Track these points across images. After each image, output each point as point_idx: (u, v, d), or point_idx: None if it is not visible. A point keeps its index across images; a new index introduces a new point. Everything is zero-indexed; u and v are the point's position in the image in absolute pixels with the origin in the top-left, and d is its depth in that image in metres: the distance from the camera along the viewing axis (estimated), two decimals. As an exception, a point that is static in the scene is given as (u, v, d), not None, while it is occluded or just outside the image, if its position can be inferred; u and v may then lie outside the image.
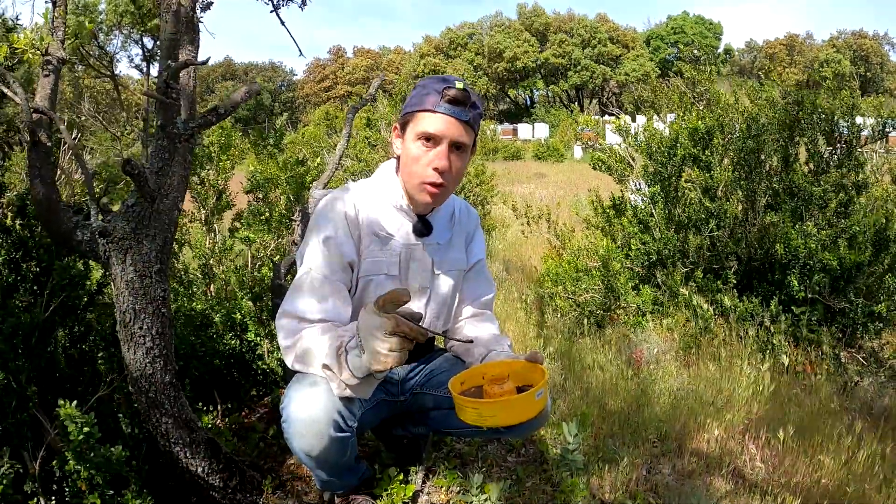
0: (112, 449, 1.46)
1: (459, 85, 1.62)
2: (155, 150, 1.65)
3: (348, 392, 1.55)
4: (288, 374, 2.45)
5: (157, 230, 1.66)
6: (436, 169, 1.62)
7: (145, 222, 1.63)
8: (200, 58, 1.87)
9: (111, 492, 1.48)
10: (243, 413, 2.53)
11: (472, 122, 1.66)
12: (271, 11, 3.09)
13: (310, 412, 1.53)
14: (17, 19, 2.50)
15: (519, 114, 57.09)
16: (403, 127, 1.70)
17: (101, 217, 1.62)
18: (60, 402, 1.36)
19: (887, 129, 3.96)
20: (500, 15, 59.15)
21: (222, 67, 64.66)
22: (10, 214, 1.96)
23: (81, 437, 1.36)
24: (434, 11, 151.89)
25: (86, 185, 1.72)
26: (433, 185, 1.64)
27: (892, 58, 60.62)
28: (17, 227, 1.93)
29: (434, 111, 1.62)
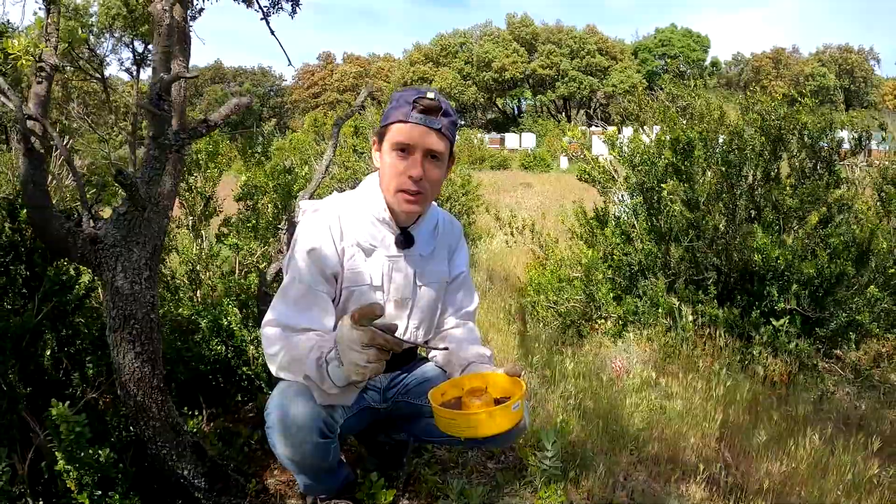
0: (100, 450, 1.49)
1: (430, 95, 1.69)
2: (146, 160, 1.68)
3: (330, 400, 1.61)
4: (273, 380, 2.49)
5: (147, 238, 1.70)
6: (410, 177, 1.68)
7: (136, 230, 1.67)
8: (192, 64, 1.92)
9: (99, 492, 1.51)
10: (228, 418, 2.55)
11: (445, 130, 1.70)
12: (261, 19, 3.13)
13: (294, 419, 1.58)
14: (9, 23, 2.52)
15: (506, 123, 57.28)
16: (381, 139, 1.76)
17: (92, 224, 1.66)
18: (53, 402, 1.39)
19: (863, 142, 4.06)
20: (489, 24, 59.50)
21: (211, 71, 64.38)
22: (-1, 218, 1.98)
23: (72, 436, 1.39)
24: (425, 18, 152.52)
25: (77, 191, 1.75)
26: (409, 192, 1.70)
27: (876, 72, 61.62)
28: (8, 231, 1.95)
29: (406, 121, 1.67)
